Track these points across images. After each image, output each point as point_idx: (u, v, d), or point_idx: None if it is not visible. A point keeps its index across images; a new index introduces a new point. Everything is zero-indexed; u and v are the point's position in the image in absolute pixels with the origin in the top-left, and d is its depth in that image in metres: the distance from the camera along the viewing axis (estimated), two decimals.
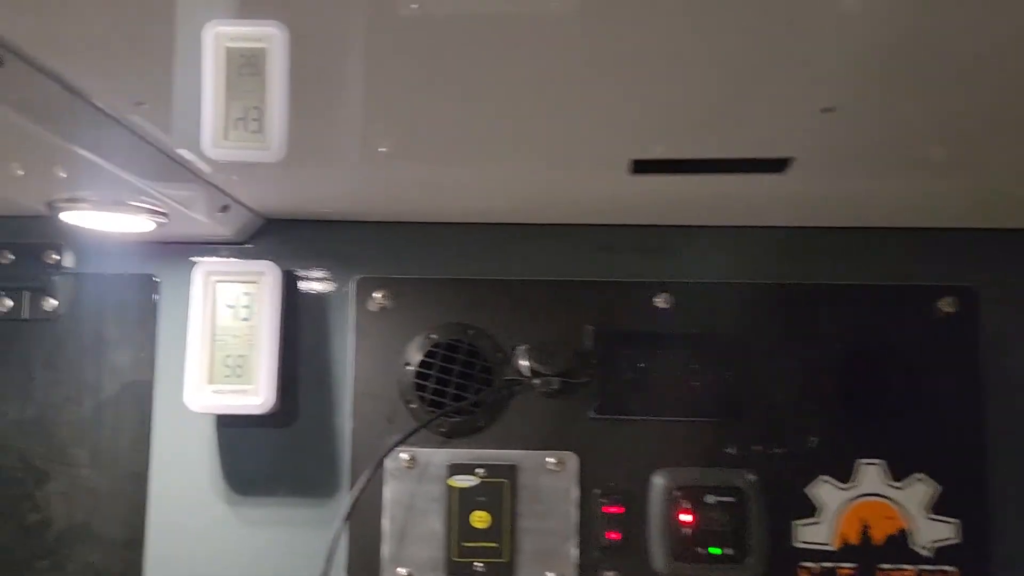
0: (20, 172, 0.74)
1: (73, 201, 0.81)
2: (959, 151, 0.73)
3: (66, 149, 0.64)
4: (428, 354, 0.99)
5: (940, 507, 0.96)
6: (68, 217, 0.84)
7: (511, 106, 0.65)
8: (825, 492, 0.97)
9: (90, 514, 0.98)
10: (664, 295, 1.00)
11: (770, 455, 0.97)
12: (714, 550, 0.95)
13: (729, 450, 0.98)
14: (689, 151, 0.73)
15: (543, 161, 0.78)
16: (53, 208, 0.82)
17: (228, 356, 0.96)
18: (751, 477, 0.96)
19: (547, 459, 0.98)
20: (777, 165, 0.74)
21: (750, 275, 1.00)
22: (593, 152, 0.73)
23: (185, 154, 0.77)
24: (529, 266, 1.01)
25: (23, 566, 0.97)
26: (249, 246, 1.02)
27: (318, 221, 1.02)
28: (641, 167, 0.75)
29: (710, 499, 0.96)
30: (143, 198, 0.82)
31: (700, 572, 0.95)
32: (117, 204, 0.82)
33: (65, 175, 0.73)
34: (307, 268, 1.02)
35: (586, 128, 0.69)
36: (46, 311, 1.00)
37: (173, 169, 0.77)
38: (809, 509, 0.97)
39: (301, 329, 1.01)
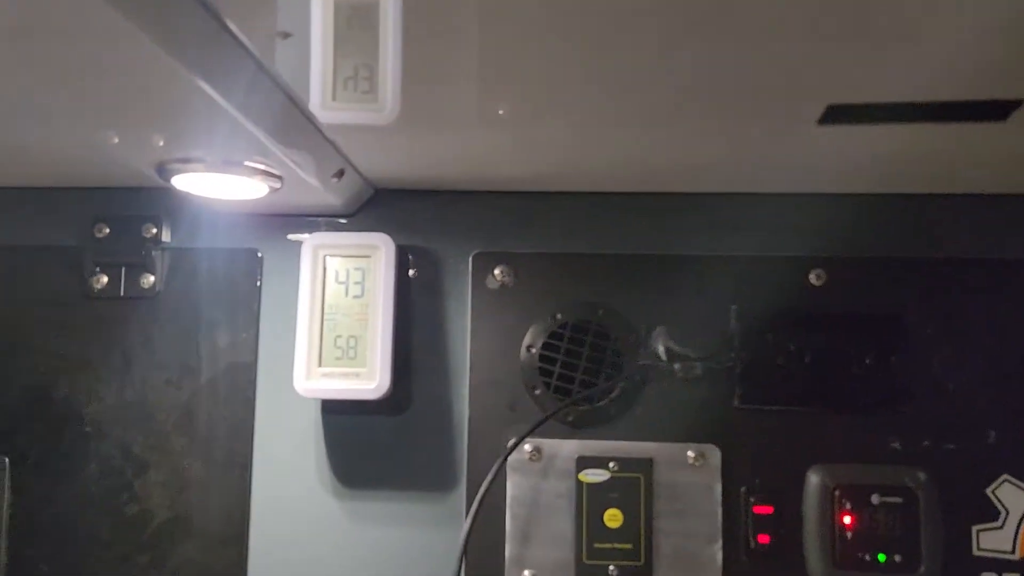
0: (139, 127, 0.67)
1: (186, 162, 0.73)
2: None
3: (196, 90, 0.56)
4: (553, 336, 0.90)
5: None
6: (179, 181, 0.76)
7: (671, 51, 0.56)
8: (1008, 494, 0.86)
9: (191, 507, 0.91)
10: (818, 271, 0.89)
11: (943, 451, 0.86)
12: (881, 557, 0.85)
13: (895, 445, 0.87)
14: (897, 93, 0.62)
15: (713, 116, 0.68)
16: (164, 171, 0.75)
17: (339, 336, 0.88)
18: (922, 476, 0.85)
19: (687, 452, 0.88)
20: (999, 110, 0.63)
21: (916, 249, 0.89)
22: (782, 98, 0.63)
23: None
24: (666, 239, 0.91)
25: (122, 561, 0.90)
26: (356, 219, 0.94)
27: (431, 191, 0.94)
28: (834, 115, 0.65)
29: (875, 500, 0.85)
30: (259, 158, 0.74)
31: None
32: (232, 165, 0.74)
33: (185, 126, 0.66)
34: (420, 242, 0.93)
35: (775, 67, 0.59)
36: (143, 288, 0.93)
37: (299, 122, 0.69)
38: (991, 513, 0.85)
39: (414, 309, 0.93)
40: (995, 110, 0.63)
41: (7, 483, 0.91)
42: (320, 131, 0.74)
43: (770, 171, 0.84)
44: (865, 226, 0.90)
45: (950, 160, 0.78)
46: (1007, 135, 0.68)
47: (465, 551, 0.82)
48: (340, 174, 0.83)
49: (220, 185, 0.78)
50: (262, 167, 0.76)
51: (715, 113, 0.69)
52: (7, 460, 0.92)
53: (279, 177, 0.78)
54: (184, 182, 0.77)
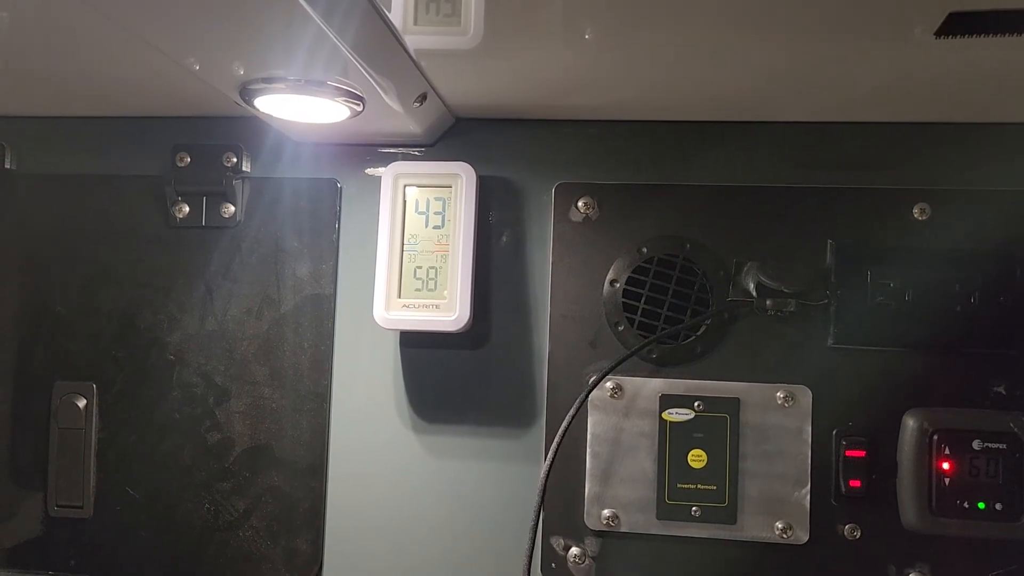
0: (225, 42, 0.66)
1: (269, 82, 0.72)
2: None
3: (289, 6, 0.54)
4: (637, 270, 0.87)
5: None
6: (261, 103, 0.75)
7: None
8: None
9: (272, 435, 0.91)
10: (923, 204, 0.84)
11: None
12: (981, 505, 0.81)
13: (998, 388, 0.82)
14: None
15: (819, 32, 0.63)
16: (247, 92, 0.73)
17: (419, 268, 0.87)
18: None
19: (776, 393, 0.85)
20: None
21: None
22: (898, 7, 0.59)
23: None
24: (758, 171, 0.87)
25: (205, 487, 0.91)
26: (436, 149, 0.92)
27: (513, 120, 0.91)
28: (954, 25, 0.60)
29: (976, 445, 0.81)
30: (342, 77, 0.72)
31: (964, 529, 0.81)
32: (315, 86, 0.72)
33: (270, 37, 0.64)
34: (501, 173, 0.91)
35: None
36: (224, 218, 0.93)
37: (384, 39, 0.67)
38: None
39: (495, 241, 0.91)
40: None
41: (95, 408, 0.93)
42: (405, 50, 0.72)
43: (873, 96, 0.79)
44: (973, 157, 0.85)
45: None
46: None
47: (544, 489, 0.80)
48: (423, 98, 0.81)
49: (301, 108, 0.77)
50: (345, 87, 0.73)
51: (823, 25, 0.64)
52: (94, 386, 0.93)
53: (361, 99, 0.76)
54: (266, 104, 0.75)
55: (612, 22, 0.66)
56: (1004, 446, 0.81)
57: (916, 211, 0.85)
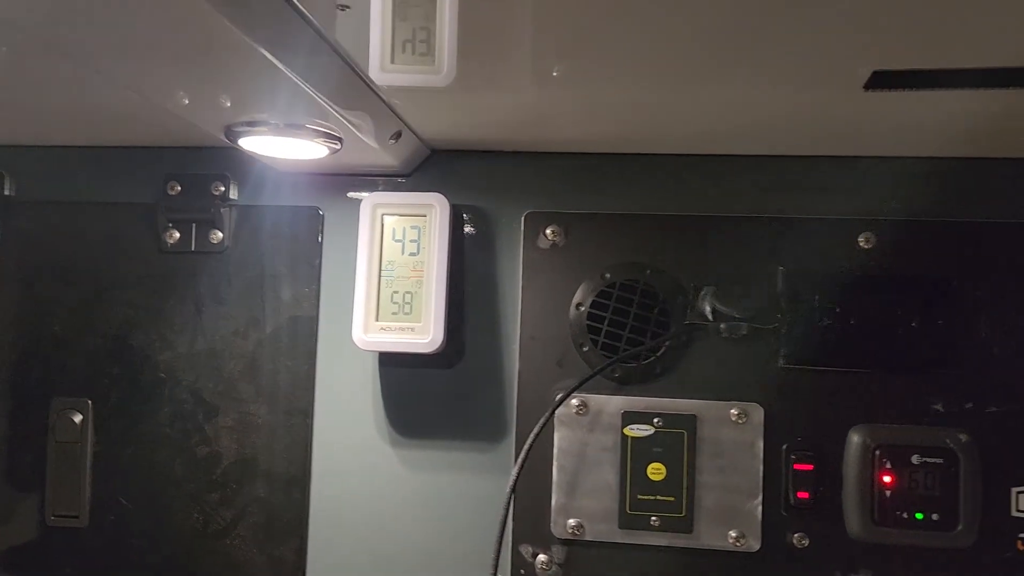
0: (208, 93, 0.71)
1: (252, 125, 0.77)
2: None
3: (260, 59, 0.60)
4: (601, 295, 0.93)
5: None
6: (246, 143, 0.80)
7: (722, 11, 0.57)
8: None
9: (257, 449, 0.97)
10: (867, 233, 0.90)
11: (985, 414, 0.87)
12: (919, 515, 0.87)
13: (936, 407, 0.88)
14: (942, 60, 0.63)
15: (764, 78, 0.69)
16: (232, 133, 0.79)
17: (395, 292, 0.92)
18: (963, 437, 0.86)
19: (731, 410, 0.90)
20: None
21: (967, 212, 0.89)
22: (828, 63, 0.64)
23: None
24: (713, 201, 0.93)
25: (194, 498, 0.97)
26: (412, 179, 0.97)
27: (485, 152, 0.96)
28: (880, 81, 0.66)
29: (915, 460, 0.87)
30: (320, 121, 0.78)
31: (903, 538, 0.87)
32: (295, 128, 0.78)
33: (251, 91, 0.69)
34: (473, 202, 0.96)
35: (824, 32, 0.60)
36: (213, 243, 0.98)
37: (357, 87, 0.73)
38: None
39: (467, 266, 0.96)
40: None
41: (90, 422, 0.98)
42: (378, 95, 0.77)
43: (819, 135, 0.84)
44: (914, 190, 0.90)
45: (1001, 124, 0.78)
46: None
47: (512, 498, 0.86)
48: (397, 136, 0.86)
49: (283, 146, 0.82)
50: (323, 129, 0.79)
51: (766, 74, 0.69)
52: (90, 402, 0.98)
53: (339, 139, 0.81)
54: (250, 144, 0.81)
55: (578, 62, 0.71)
56: (941, 460, 0.87)
57: (861, 240, 0.90)
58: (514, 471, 0.86)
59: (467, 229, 0.96)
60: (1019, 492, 0.87)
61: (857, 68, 0.65)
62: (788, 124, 0.82)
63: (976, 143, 0.85)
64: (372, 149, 0.86)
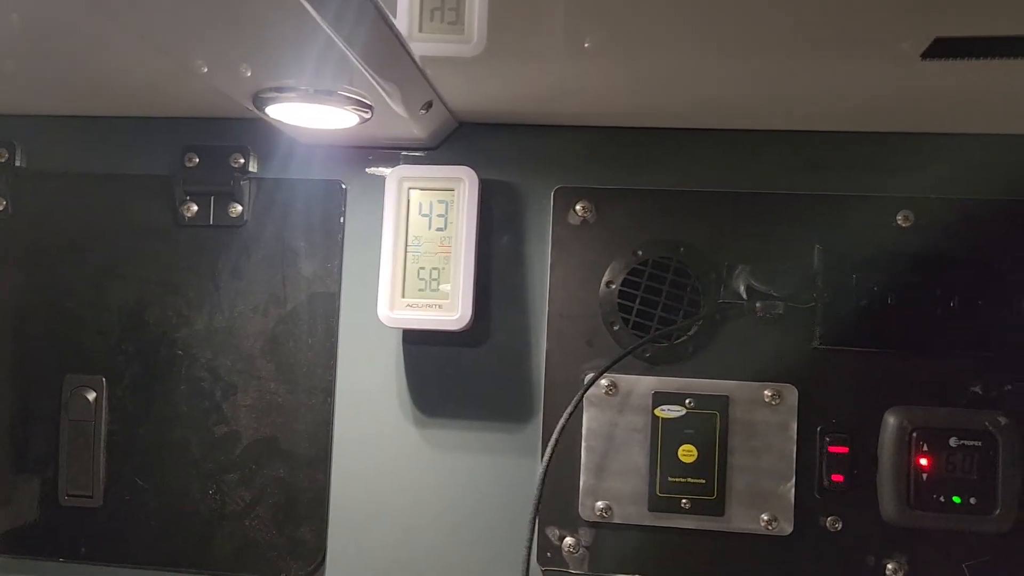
0: (236, 52, 0.68)
1: (280, 91, 0.74)
2: None
3: (293, 5, 0.57)
4: (633, 272, 0.91)
5: None
6: (273, 111, 0.78)
7: None
8: None
9: (278, 428, 0.94)
10: (906, 211, 0.88)
11: None
12: (956, 499, 0.85)
13: (975, 389, 0.86)
14: (1006, 26, 0.60)
15: (811, 48, 0.66)
16: (259, 100, 0.76)
17: (422, 268, 0.90)
18: (1003, 420, 0.85)
19: (764, 391, 0.89)
20: None
21: (1005, 191, 0.87)
22: (889, 28, 0.62)
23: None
24: (750, 177, 0.91)
25: (212, 478, 0.94)
26: (439, 152, 0.95)
27: (514, 125, 0.94)
28: (940, 49, 0.63)
29: (953, 442, 0.85)
30: (352, 88, 0.75)
31: (939, 522, 0.85)
32: (326, 95, 0.75)
33: (280, 48, 0.66)
34: (501, 176, 0.94)
35: None
36: (231, 217, 0.95)
37: (392, 48, 0.70)
38: None
39: (495, 242, 0.94)
40: None
41: (104, 401, 0.96)
42: (413, 60, 0.74)
43: (863, 109, 0.82)
44: (955, 167, 0.88)
45: None
46: None
47: (544, 482, 0.83)
48: (428, 106, 0.84)
49: (312, 115, 0.79)
50: (354, 95, 0.76)
51: (813, 44, 0.67)
52: (104, 380, 0.96)
53: (369, 107, 0.78)
54: (278, 112, 0.78)
55: (611, 32, 0.69)
56: (979, 443, 0.85)
57: (900, 218, 0.88)
58: (546, 454, 0.83)
59: (494, 204, 0.94)
60: None
61: (917, 34, 0.62)
62: (832, 97, 0.79)
63: (1015, 117, 0.83)
64: (401, 119, 0.84)
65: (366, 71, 0.70)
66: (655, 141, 0.92)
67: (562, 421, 0.84)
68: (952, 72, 0.69)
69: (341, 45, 0.65)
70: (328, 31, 0.62)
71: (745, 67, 0.74)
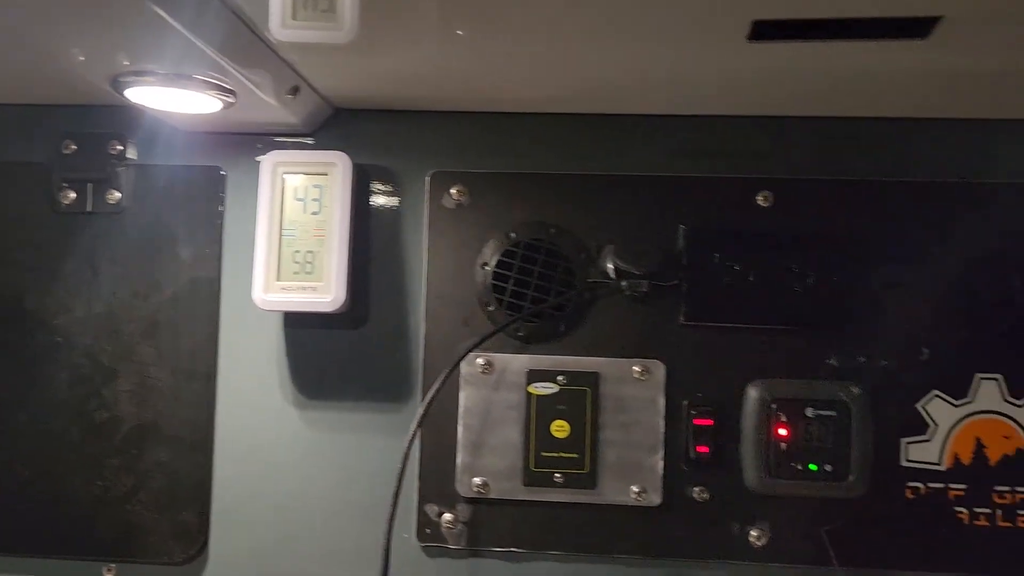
0: (92, 40, 0.69)
1: (138, 75, 0.75)
2: None
3: (147, 10, 0.58)
4: (506, 254, 0.93)
5: None
6: (133, 94, 0.78)
7: None
8: (937, 408, 0.89)
9: (159, 413, 0.95)
10: (766, 192, 0.92)
11: (877, 368, 0.90)
12: (812, 466, 0.89)
13: (832, 361, 0.90)
14: (821, 9, 0.64)
15: (647, 29, 0.69)
16: (117, 84, 0.77)
17: (297, 252, 0.91)
18: (856, 390, 0.89)
19: (632, 367, 0.91)
20: (921, 27, 0.64)
21: (862, 171, 0.91)
22: (709, 11, 0.65)
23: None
24: (617, 160, 0.94)
25: (94, 464, 0.95)
26: (316, 138, 0.96)
27: (391, 111, 0.95)
28: (762, 31, 0.67)
29: (810, 413, 0.89)
30: (211, 73, 0.76)
31: (796, 489, 0.89)
32: (183, 79, 0.76)
33: (138, 42, 0.68)
34: (378, 161, 0.95)
35: None
36: (110, 204, 0.96)
37: (248, 40, 0.71)
38: (920, 426, 0.89)
39: (372, 226, 0.95)
40: (916, 27, 0.64)
41: None
42: (272, 49, 0.76)
43: (718, 92, 0.85)
44: (810, 149, 0.92)
45: (886, 80, 0.79)
46: (930, 52, 0.69)
47: (406, 457, 0.85)
48: (295, 91, 0.85)
49: (174, 99, 0.80)
50: (214, 81, 0.77)
51: (652, 29, 0.70)
52: None
53: (231, 92, 0.79)
54: (138, 95, 0.79)
55: (484, 20, 0.70)
56: (834, 413, 0.89)
57: (760, 198, 0.92)
58: (412, 426, 0.85)
59: (371, 189, 0.95)
60: (908, 443, 0.89)
61: (738, 18, 0.65)
62: (687, 81, 0.82)
63: (865, 102, 0.87)
64: (269, 105, 0.85)
65: (224, 62, 0.72)
66: (528, 126, 0.94)
67: (429, 395, 0.86)
68: (779, 55, 0.73)
69: (198, 43, 0.66)
70: (184, 32, 0.64)
71: (607, 54, 0.76)
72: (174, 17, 0.63)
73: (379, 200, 0.95)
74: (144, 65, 0.75)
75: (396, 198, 0.95)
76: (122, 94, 0.78)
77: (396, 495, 0.84)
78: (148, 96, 0.79)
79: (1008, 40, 0.68)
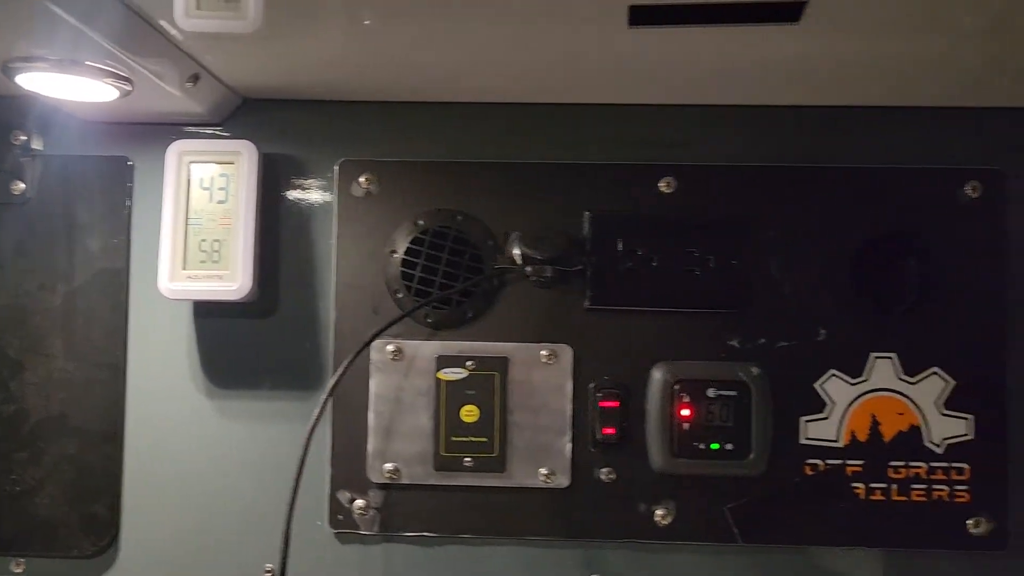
0: None
1: (29, 61, 0.75)
2: (993, 14, 0.66)
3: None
4: (415, 241, 0.94)
5: (954, 402, 0.91)
6: (25, 81, 0.78)
7: None
8: (835, 387, 0.92)
9: (67, 405, 0.94)
10: (668, 179, 0.94)
11: (777, 348, 0.92)
12: (714, 446, 0.91)
13: (733, 343, 0.93)
14: None
15: (537, 13, 0.70)
16: (8, 70, 0.76)
17: (203, 240, 0.91)
18: (755, 371, 0.91)
19: (540, 352, 0.93)
20: (791, 11, 0.67)
21: (760, 158, 0.94)
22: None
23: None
24: (523, 149, 0.95)
25: (1, 458, 0.94)
26: (225, 128, 0.96)
27: (299, 101, 0.96)
28: (640, 16, 0.68)
29: (711, 393, 0.91)
30: (105, 61, 0.76)
31: (699, 468, 0.91)
32: (76, 66, 0.76)
33: (25, 28, 0.68)
34: (288, 150, 0.96)
35: None
36: (14, 194, 0.95)
37: (142, 30, 0.71)
38: (818, 405, 0.92)
39: (282, 215, 0.96)
40: (787, 11, 0.67)
41: None
42: (166, 37, 0.76)
43: (601, 79, 0.87)
44: (712, 136, 0.94)
45: (774, 68, 0.82)
46: (804, 37, 0.72)
47: (308, 444, 0.85)
48: (195, 79, 0.85)
49: (70, 87, 0.80)
50: (109, 68, 0.77)
51: (541, 13, 0.71)
52: None
53: (127, 79, 0.79)
54: (30, 82, 0.78)
55: (391, 10, 0.71)
56: (735, 393, 0.91)
57: (662, 185, 0.94)
58: (315, 412, 0.86)
59: (281, 178, 0.96)
60: (807, 421, 0.92)
61: (615, 3, 0.67)
62: (573, 68, 0.84)
63: (755, 89, 0.90)
64: (171, 94, 0.85)
65: (117, 51, 0.72)
66: (436, 115, 0.95)
67: (332, 381, 0.87)
68: (664, 40, 0.74)
69: (91, 34, 0.67)
70: (76, 24, 0.64)
71: (499, 37, 0.77)
72: (65, 9, 0.63)
73: (288, 189, 0.96)
74: (35, 51, 0.75)
75: (305, 187, 0.96)
76: (13, 80, 0.77)
77: (297, 481, 0.84)
78: (41, 83, 0.79)
79: (872, 25, 0.70)
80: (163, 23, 0.75)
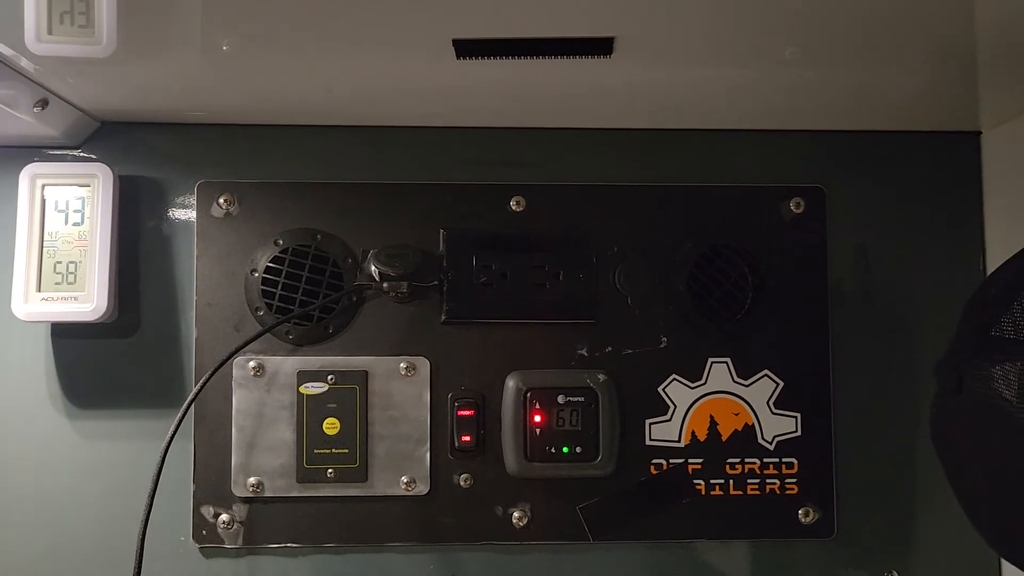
0: None
1: None
2: (808, 45, 0.73)
3: None
4: (275, 260, 0.97)
5: (783, 402, 0.98)
6: None
7: None
8: (676, 391, 0.98)
9: None
10: (518, 198, 0.99)
11: (622, 356, 0.98)
12: (566, 449, 0.96)
13: (581, 351, 0.98)
14: (511, 29, 0.71)
15: (371, 43, 0.74)
16: None
17: (59, 263, 0.92)
18: (602, 377, 0.97)
19: (399, 364, 0.97)
20: (602, 46, 0.72)
21: (604, 177, 1.00)
22: (413, 29, 0.71)
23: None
24: (380, 170, 0.99)
25: None
26: (84, 150, 0.97)
27: (157, 124, 0.98)
28: (465, 49, 0.73)
29: (561, 400, 0.96)
30: None
31: (552, 471, 0.96)
32: None
33: None
34: (146, 172, 0.97)
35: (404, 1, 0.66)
36: None
37: None
38: (661, 408, 0.98)
39: (142, 237, 0.97)
40: (598, 46, 0.72)
41: None
42: (7, 64, 0.77)
43: (448, 105, 0.92)
44: (559, 157, 1.00)
45: (609, 94, 0.88)
46: (620, 68, 0.78)
47: (163, 460, 0.87)
48: (43, 104, 0.86)
49: None
50: None
51: (380, 43, 0.75)
52: None
53: None
54: None
55: (248, 35, 0.74)
56: (583, 399, 0.96)
57: (513, 203, 0.99)
58: (171, 427, 0.87)
59: (140, 201, 0.97)
60: (652, 423, 0.98)
61: (439, 38, 0.72)
62: (419, 94, 0.88)
63: (596, 114, 0.96)
64: (18, 117, 0.85)
65: None
66: (293, 137, 0.98)
67: (190, 398, 0.89)
68: (494, 69, 0.79)
69: None
70: None
71: (345, 64, 0.80)
72: None
73: (148, 211, 0.97)
74: None
75: (166, 208, 0.98)
76: None
77: (152, 495, 0.86)
78: None
79: (681, 56, 0.77)
80: (8, 50, 0.76)
